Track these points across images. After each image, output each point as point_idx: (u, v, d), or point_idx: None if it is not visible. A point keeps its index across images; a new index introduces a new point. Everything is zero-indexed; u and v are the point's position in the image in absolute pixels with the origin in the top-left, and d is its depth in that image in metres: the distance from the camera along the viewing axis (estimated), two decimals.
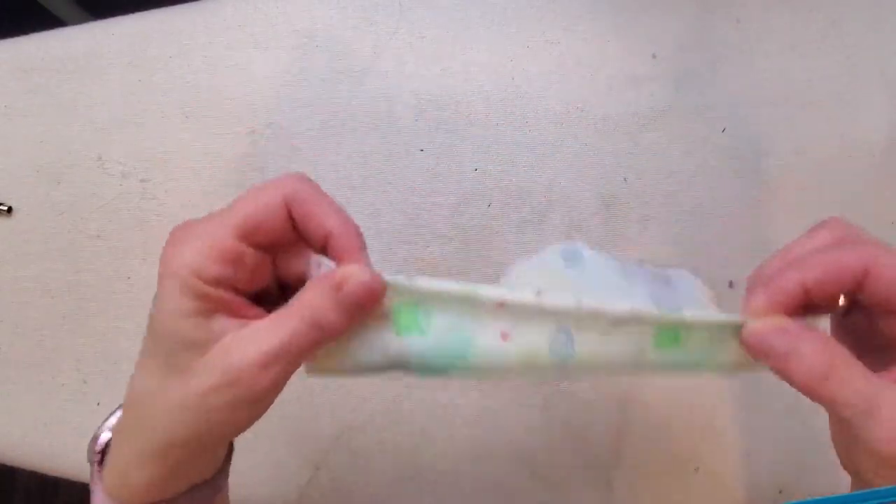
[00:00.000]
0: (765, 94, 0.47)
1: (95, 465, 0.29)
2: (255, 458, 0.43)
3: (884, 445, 0.24)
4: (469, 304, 0.25)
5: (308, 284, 0.26)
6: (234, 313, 0.26)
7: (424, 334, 0.26)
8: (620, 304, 0.25)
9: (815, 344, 0.25)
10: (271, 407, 0.27)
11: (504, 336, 0.26)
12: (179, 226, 0.26)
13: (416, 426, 0.46)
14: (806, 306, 0.26)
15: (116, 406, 0.29)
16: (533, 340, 0.26)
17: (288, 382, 0.26)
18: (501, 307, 0.25)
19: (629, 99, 0.46)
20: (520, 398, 0.46)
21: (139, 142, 0.48)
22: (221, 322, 0.25)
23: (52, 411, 0.48)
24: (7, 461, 0.48)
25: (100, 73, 0.48)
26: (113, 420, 0.29)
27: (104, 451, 0.29)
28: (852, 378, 0.25)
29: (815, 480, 0.46)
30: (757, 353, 0.26)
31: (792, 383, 0.25)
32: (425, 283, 0.25)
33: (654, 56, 0.47)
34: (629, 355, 0.26)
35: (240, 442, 0.45)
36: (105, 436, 0.29)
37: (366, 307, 0.25)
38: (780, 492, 0.46)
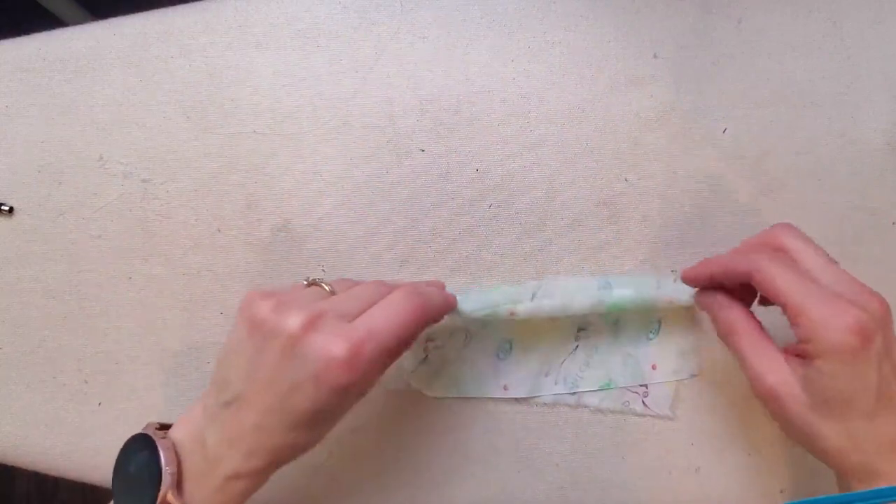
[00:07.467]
0: (765, 94, 0.47)
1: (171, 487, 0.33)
2: None
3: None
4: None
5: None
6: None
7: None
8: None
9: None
10: None
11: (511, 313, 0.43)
12: (315, 324, 0.33)
13: (417, 427, 0.47)
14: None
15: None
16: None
17: None
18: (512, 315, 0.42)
19: (630, 99, 0.47)
20: (517, 406, 0.46)
21: (140, 142, 0.48)
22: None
23: (52, 411, 0.48)
24: (7, 461, 0.48)
25: (101, 73, 0.48)
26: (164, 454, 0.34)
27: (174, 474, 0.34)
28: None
29: (816, 480, 0.46)
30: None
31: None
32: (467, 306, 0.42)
33: (655, 56, 0.47)
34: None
35: None
36: (167, 453, 0.34)
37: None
38: (781, 491, 0.46)
